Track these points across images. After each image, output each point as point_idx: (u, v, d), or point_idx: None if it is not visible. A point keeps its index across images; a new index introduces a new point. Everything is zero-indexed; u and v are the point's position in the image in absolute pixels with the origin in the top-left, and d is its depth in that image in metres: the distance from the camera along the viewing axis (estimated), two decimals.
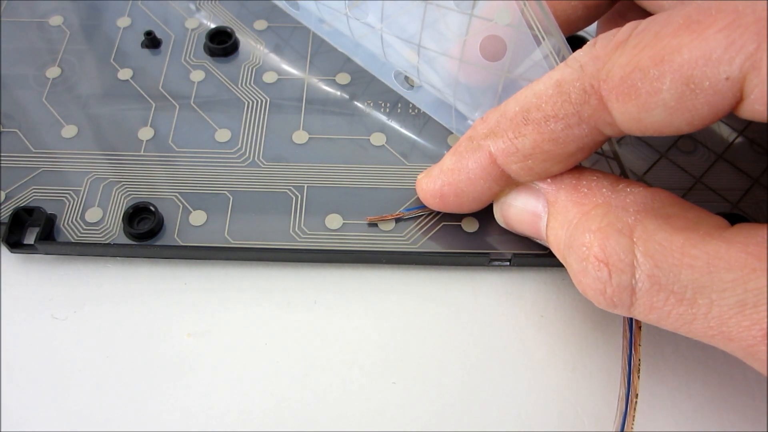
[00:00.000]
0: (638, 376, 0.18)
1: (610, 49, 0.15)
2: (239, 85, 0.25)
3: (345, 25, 0.23)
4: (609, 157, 0.21)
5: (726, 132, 0.24)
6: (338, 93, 0.25)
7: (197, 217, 0.21)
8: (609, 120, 0.16)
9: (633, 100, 0.15)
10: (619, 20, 0.22)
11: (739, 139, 0.23)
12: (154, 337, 0.20)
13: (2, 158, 0.23)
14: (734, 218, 0.21)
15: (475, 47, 0.19)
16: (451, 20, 0.19)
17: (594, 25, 0.23)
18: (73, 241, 0.21)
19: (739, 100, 0.14)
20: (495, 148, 0.18)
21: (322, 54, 0.26)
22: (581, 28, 0.22)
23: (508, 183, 0.19)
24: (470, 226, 0.21)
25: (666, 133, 0.15)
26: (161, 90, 0.25)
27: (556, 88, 0.16)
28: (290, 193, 0.22)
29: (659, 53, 0.14)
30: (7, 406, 0.19)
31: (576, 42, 0.26)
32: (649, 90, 0.14)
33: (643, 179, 0.22)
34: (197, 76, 0.25)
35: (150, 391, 0.19)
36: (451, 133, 0.24)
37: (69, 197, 0.22)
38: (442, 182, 0.19)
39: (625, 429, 0.17)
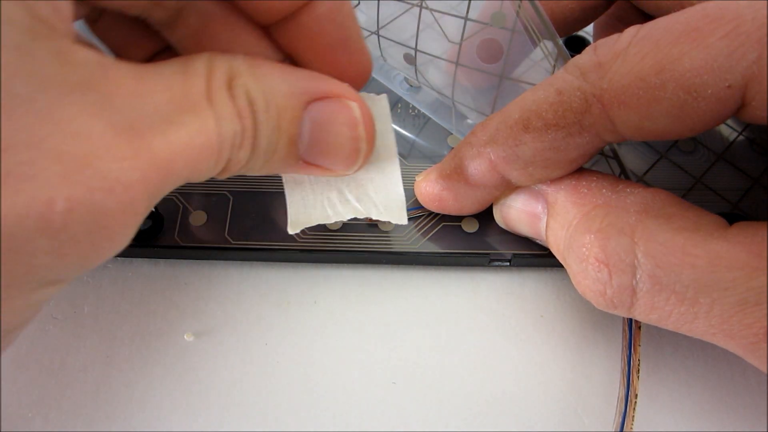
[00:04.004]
0: (638, 377, 0.18)
1: (611, 57, 0.15)
2: None
3: None
4: (609, 157, 0.21)
5: (726, 132, 0.24)
6: None
7: (197, 217, 0.21)
8: (610, 128, 0.16)
9: (635, 109, 0.15)
10: (616, 22, 0.22)
11: (740, 139, 0.23)
12: (154, 337, 0.20)
13: None
14: (734, 218, 0.21)
15: (472, 50, 0.19)
16: (448, 24, 0.19)
17: (592, 25, 0.23)
18: None
19: (741, 105, 0.14)
20: (495, 155, 0.18)
21: None
22: (578, 29, 0.22)
23: (508, 187, 0.19)
24: (470, 226, 0.21)
25: (667, 138, 0.15)
26: None
27: (557, 96, 0.16)
28: None
29: (660, 62, 0.14)
30: (7, 406, 0.19)
31: (575, 42, 0.26)
32: (651, 99, 0.14)
33: (643, 179, 0.22)
34: None
35: (150, 391, 0.19)
36: (451, 133, 0.23)
37: None
38: (441, 187, 0.19)
39: (625, 429, 0.17)
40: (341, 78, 0.16)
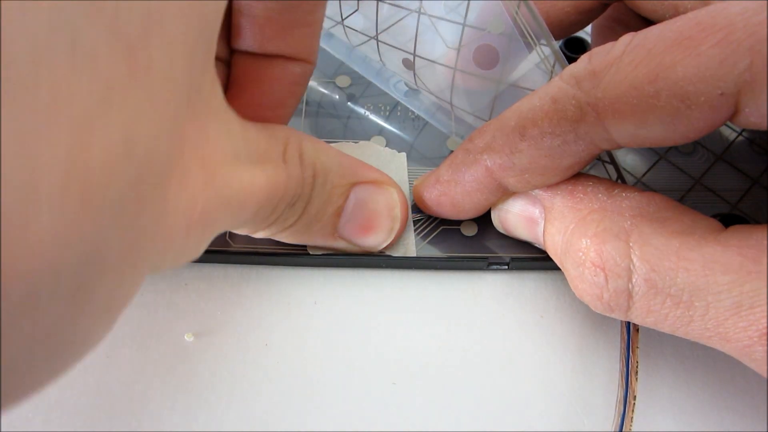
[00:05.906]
0: (636, 378, 0.18)
1: (605, 66, 0.15)
2: None
3: (341, 31, 0.23)
4: (605, 161, 0.21)
5: (725, 132, 0.24)
6: (337, 96, 0.25)
7: None
8: (605, 136, 0.16)
9: (629, 117, 0.15)
10: (614, 24, 0.22)
11: (739, 140, 0.23)
12: (154, 337, 0.20)
13: None
14: (734, 219, 0.21)
15: (469, 55, 0.19)
16: (445, 29, 0.19)
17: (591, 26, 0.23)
18: None
19: (735, 112, 0.14)
20: (492, 162, 0.18)
21: (322, 56, 0.26)
22: (575, 32, 0.22)
23: (505, 193, 0.19)
24: (469, 229, 0.21)
25: (663, 145, 0.15)
26: None
27: (552, 104, 0.16)
28: None
29: (654, 70, 0.14)
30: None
31: (575, 43, 0.26)
32: (644, 107, 0.14)
33: (642, 181, 0.22)
34: None
35: (150, 391, 0.19)
36: (449, 136, 0.24)
37: None
38: (438, 192, 0.20)
39: (624, 430, 0.17)
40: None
